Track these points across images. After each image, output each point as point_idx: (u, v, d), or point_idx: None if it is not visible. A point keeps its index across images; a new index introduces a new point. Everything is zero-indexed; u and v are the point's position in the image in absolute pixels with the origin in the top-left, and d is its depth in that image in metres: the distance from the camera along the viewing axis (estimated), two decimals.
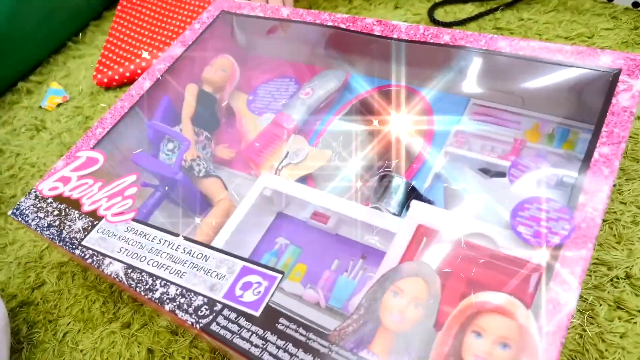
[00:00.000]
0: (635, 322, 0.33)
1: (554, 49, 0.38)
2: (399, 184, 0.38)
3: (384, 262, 0.32)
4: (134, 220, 0.39)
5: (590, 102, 0.36)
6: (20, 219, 0.42)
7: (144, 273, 0.35)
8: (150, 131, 0.48)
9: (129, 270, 0.36)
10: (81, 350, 0.42)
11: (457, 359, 0.27)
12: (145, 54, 0.69)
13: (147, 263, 0.36)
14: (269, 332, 0.30)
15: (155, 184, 0.44)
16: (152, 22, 0.75)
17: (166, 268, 0.35)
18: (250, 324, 0.31)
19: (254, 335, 0.30)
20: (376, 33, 0.45)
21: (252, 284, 0.33)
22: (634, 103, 0.33)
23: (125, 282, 0.35)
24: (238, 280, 0.33)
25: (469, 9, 0.60)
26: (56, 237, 0.40)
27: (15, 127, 0.68)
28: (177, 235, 0.37)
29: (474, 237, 0.32)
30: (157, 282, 0.35)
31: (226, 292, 0.33)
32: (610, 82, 0.35)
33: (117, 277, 0.36)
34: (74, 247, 0.39)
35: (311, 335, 0.30)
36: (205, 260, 0.35)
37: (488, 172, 0.38)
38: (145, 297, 0.34)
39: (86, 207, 0.41)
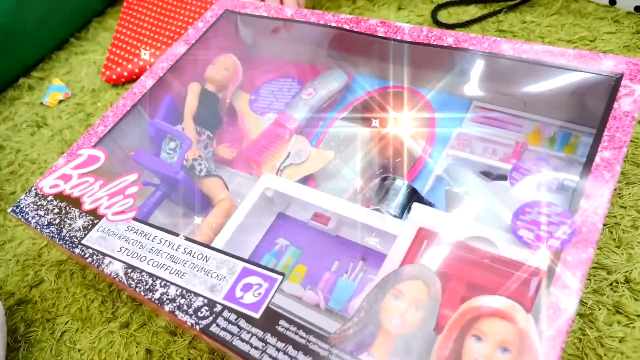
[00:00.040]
0: (634, 327, 0.33)
1: (557, 53, 0.38)
2: (400, 186, 0.38)
3: (384, 265, 0.32)
4: (134, 219, 0.39)
5: (592, 106, 0.36)
6: (20, 217, 0.42)
7: (144, 273, 0.35)
8: (152, 130, 0.47)
9: (129, 270, 0.36)
10: (79, 350, 0.42)
11: None
12: (147, 55, 0.68)
13: (147, 263, 0.36)
14: (269, 334, 0.30)
15: (156, 183, 0.44)
16: (160, 19, 0.74)
17: (166, 268, 0.35)
18: (251, 326, 0.31)
19: (254, 337, 0.30)
20: (380, 34, 0.45)
21: (252, 286, 0.33)
22: (635, 108, 0.33)
23: (125, 282, 0.35)
24: (238, 281, 0.33)
25: (472, 11, 0.60)
26: (56, 236, 0.40)
27: (16, 123, 0.68)
28: (177, 235, 0.37)
29: (475, 240, 0.32)
30: (157, 282, 0.35)
31: (226, 294, 0.33)
32: (612, 87, 0.35)
33: (116, 277, 0.36)
34: (73, 245, 0.38)
35: (311, 338, 0.29)
36: (206, 261, 0.35)
37: (489, 175, 0.38)
38: (145, 297, 0.34)
39: (87, 206, 0.41)
